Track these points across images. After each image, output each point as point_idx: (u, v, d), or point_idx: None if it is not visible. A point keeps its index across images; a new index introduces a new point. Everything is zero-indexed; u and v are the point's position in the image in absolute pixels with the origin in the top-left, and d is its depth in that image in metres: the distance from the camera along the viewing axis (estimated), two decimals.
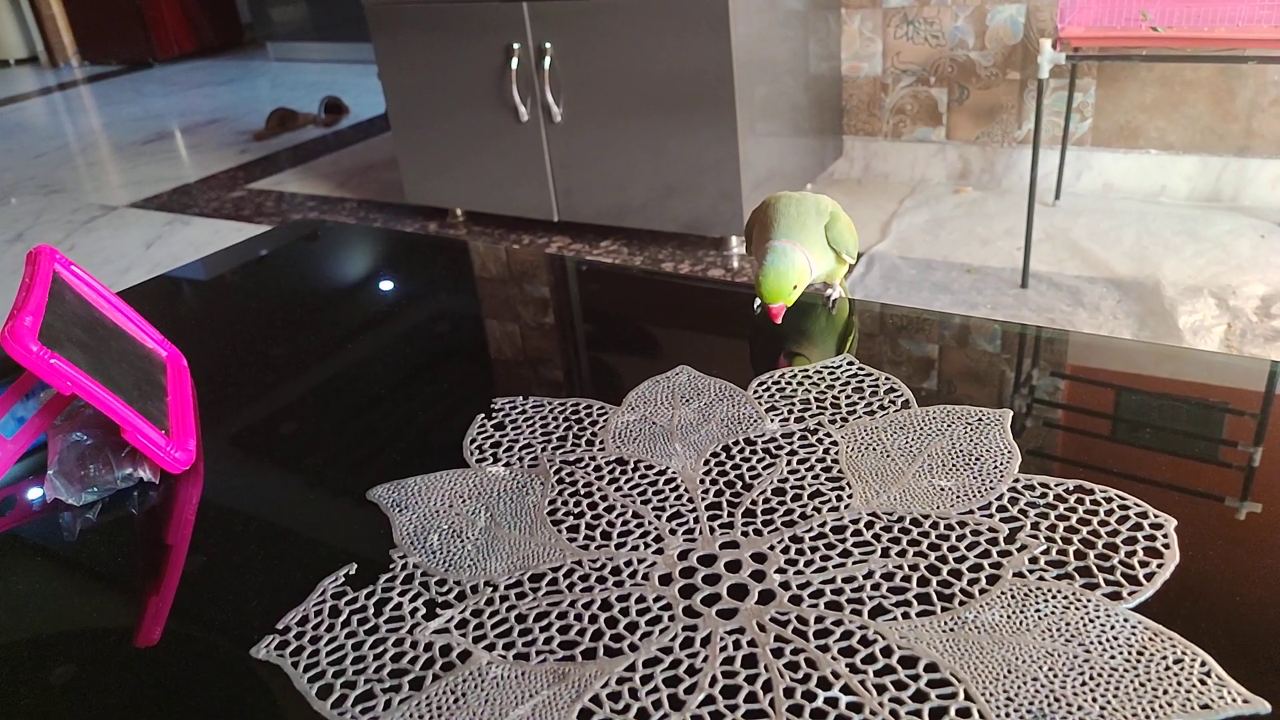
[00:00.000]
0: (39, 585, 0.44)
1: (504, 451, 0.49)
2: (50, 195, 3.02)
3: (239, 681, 0.37)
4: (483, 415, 0.53)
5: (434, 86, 2.15)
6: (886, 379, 0.53)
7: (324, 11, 4.80)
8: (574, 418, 0.52)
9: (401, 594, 0.40)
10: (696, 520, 0.43)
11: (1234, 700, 0.32)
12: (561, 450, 0.49)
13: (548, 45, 1.97)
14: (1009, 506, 0.42)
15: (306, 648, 0.38)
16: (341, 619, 0.39)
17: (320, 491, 0.50)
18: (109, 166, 3.38)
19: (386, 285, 0.77)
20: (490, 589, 0.40)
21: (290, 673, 0.37)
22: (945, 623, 0.36)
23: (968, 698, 0.33)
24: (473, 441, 0.50)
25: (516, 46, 2.00)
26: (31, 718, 0.36)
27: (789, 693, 0.34)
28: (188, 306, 0.78)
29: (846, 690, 0.34)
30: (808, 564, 0.40)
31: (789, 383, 0.53)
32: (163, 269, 2.17)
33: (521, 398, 0.54)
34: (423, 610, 0.39)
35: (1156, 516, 0.40)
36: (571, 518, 0.44)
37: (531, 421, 0.52)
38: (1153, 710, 0.32)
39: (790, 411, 0.50)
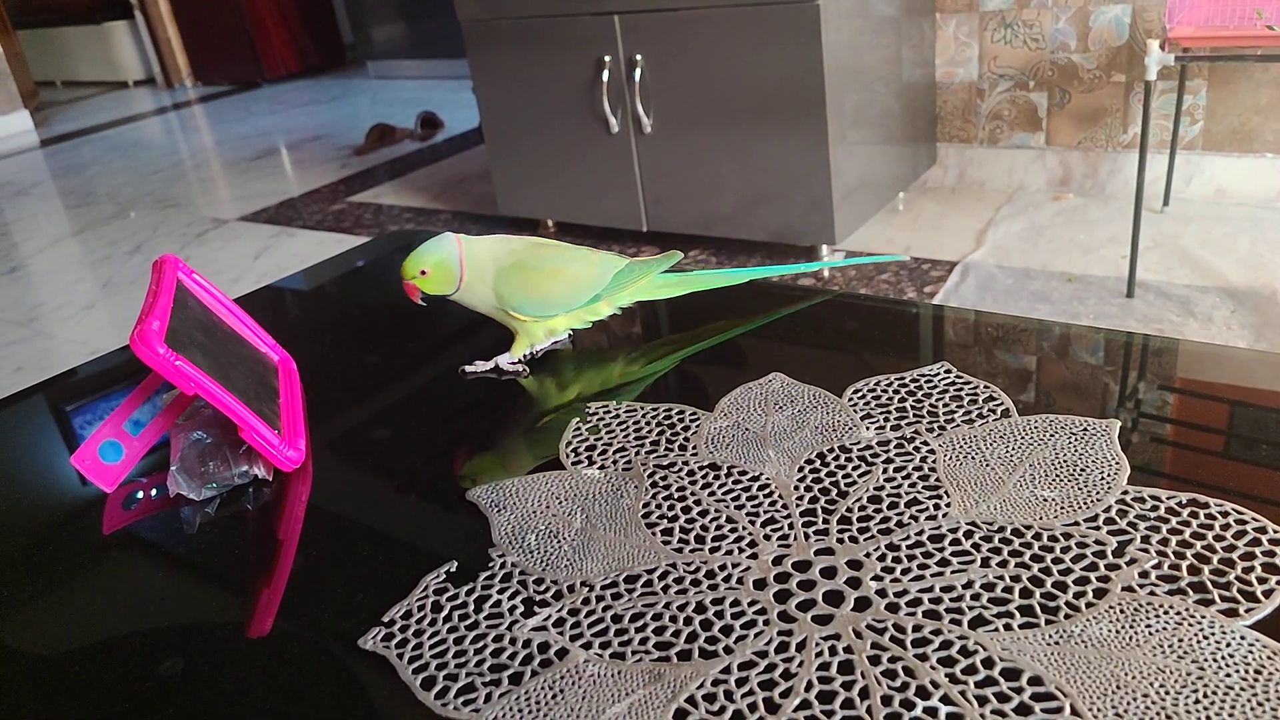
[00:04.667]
0: (162, 574, 0.47)
1: (598, 455, 0.50)
2: (166, 209, 3.18)
3: (346, 671, 0.39)
4: (577, 419, 0.53)
5: (527, 100, 2.20)
6: (985, 387, 0.52)
7: (421, 30, 4.94)
8: (666, 423, 0.52)
9: (500, 591, 0.41)
10: (791, 526, 0.43)
11: None
12: (655, 454, 0.49)
13: (638, 57, 1.99)
14: (1117, 519, 0.41)
15: (410, 640, 0.39)
16: (443, 614, 0.40)
17: (421, 491, 0.51)
18: (220, 182, 3.55)
19: None
20: (586, 589, 0.41)
21: (395, 664, 0.38)
22: (1050, 635, 0.35)
23: (1074, 713, 0.32)
24: (568, 444, 0.51)
25: (608, 59, 2.02)
26: (162, 693, 0.39)
27: (886, 700, 0.34)
28: (294, 314, 0.82)
29: (946, 700, 0.33)
30: (905, 572, 0.39)
31: (885, 391, 0.53)
32: (269, 279, 2.27)
33: (615, 402, 0.55)
34: (521, 608, 0.40)
35: (1276, 532, 0.39)
36: (665, 521, 0.44)
37: (625, 426, 0.52)
38: None
39: (886, 419, 0.50)
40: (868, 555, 0.40)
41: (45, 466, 0.59)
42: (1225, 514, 0.40)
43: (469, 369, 0.61)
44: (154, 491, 0.53)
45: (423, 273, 0.58)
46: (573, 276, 0.60)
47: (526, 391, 0.59)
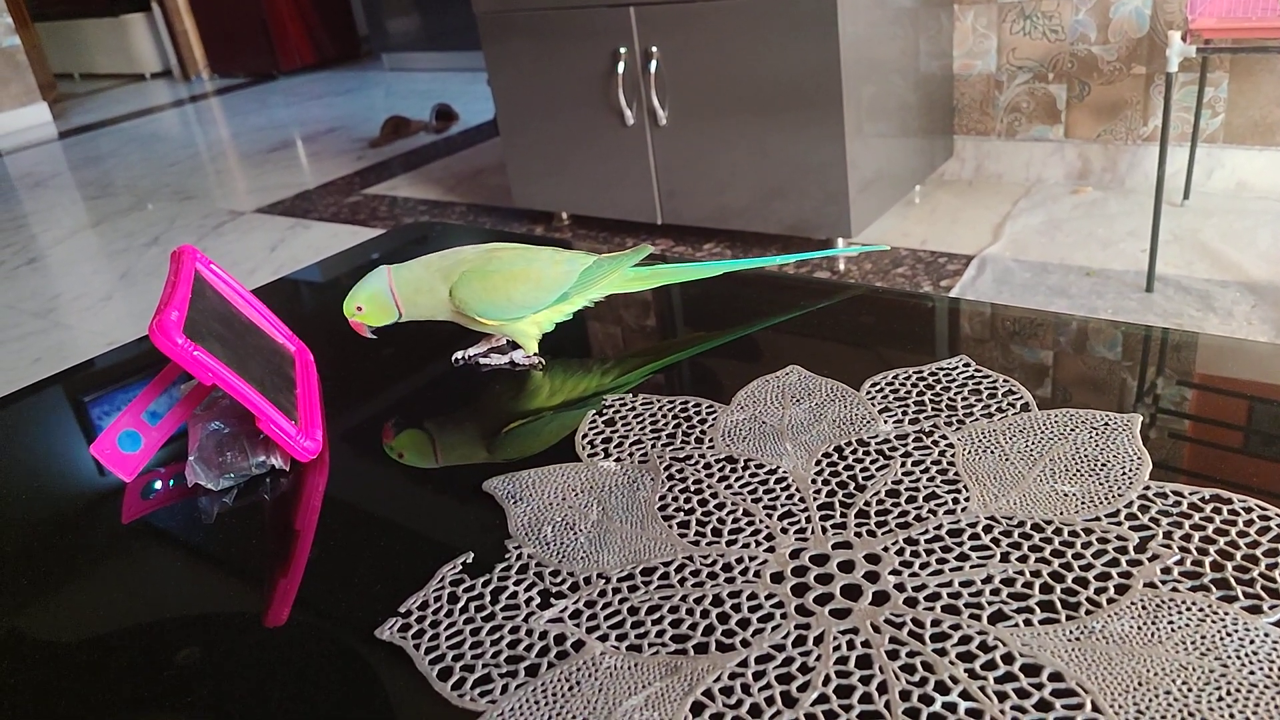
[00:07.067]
0: (180, 564, 0.47)
1: (615, 447, 0.50)
2: (183, 201, 3.20)
3: (362, 661, 0.39)
4: (594, 412, 0.53)
5: (542, 92, 2.19)
6: (1005, 381, 0.51)
7: (436, 22, 4.95)
8: (683, 415, 0.52)
9: (517, 583, 0.41)
10: (808, 520, 0.43)
11: None
12: (671, 447, 0.49)
13: (654, 49, 1.98)
14: (1139, 515, 0.40)
15: (427, 631, 0.39)
16: (460, 605, 0.40)
17: (438, 482, 0.51)
18: (236, 174, 3.56)
19: None
20: (603, 581, 0.40)
21: (412, 654, 0.38)
22: (1070, 631, 0.35)
23: (1095, 709, 0.32)
24: (584, 437, 0.51)
25: (623, 51, 2.02)
26: (178, 682, 0.39)
27: (905, 695, 0.33)
28: (310, 305, 0.82)
29: (965, 696, 0.33)
30: (923, 566, 0.39)
31: (903, 384, 0.52)
32: (285, 270, 2.28)
33: (631, 395, 0.55)
34: (537, 599, 0.40)
35: None
36: (682, 514, 0.44)
37: (641, 419, 0.52)
38: None
39: (904, 413, 0.50)
40: (886, 549, 0.40)
41: (64, 456, 0.60)
42: (1249, 510, 0.40)
43: (485, 362, 0.61)
44: (172, 481, 0.53)
45: (359, 309, 0.59)
46: (537, 277, 0.59)
47: (542, 384, 0.59)
